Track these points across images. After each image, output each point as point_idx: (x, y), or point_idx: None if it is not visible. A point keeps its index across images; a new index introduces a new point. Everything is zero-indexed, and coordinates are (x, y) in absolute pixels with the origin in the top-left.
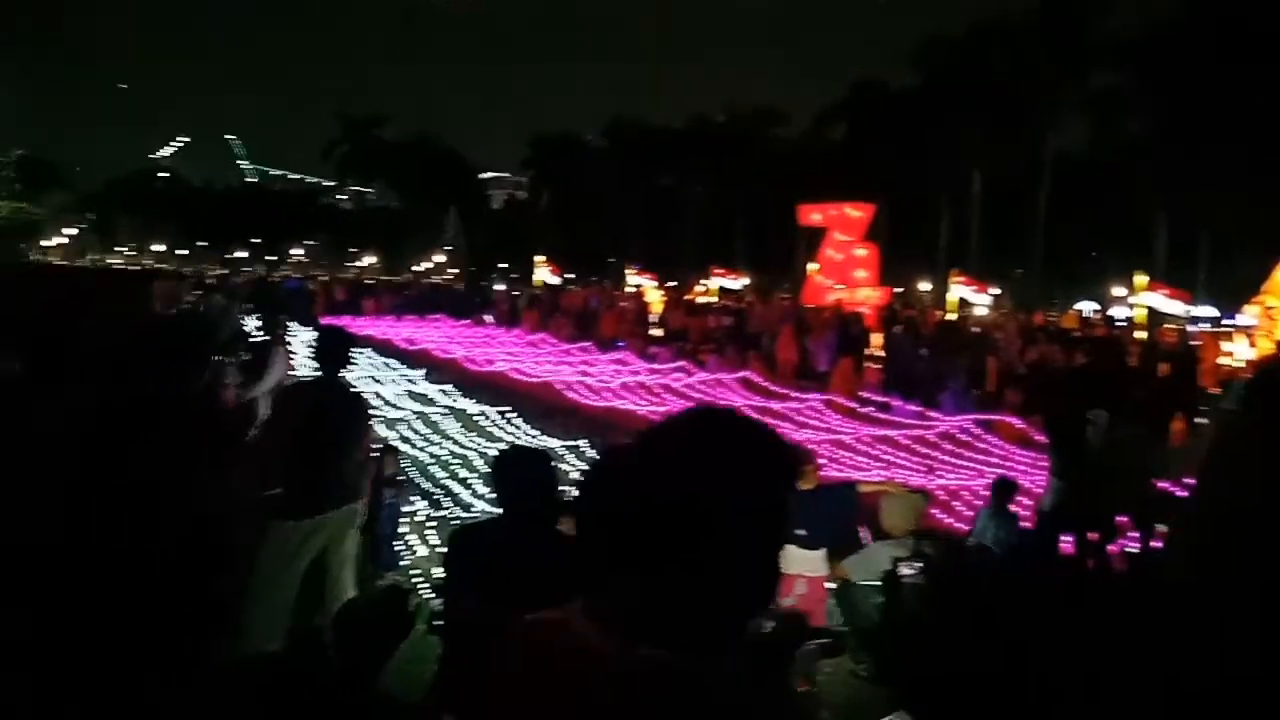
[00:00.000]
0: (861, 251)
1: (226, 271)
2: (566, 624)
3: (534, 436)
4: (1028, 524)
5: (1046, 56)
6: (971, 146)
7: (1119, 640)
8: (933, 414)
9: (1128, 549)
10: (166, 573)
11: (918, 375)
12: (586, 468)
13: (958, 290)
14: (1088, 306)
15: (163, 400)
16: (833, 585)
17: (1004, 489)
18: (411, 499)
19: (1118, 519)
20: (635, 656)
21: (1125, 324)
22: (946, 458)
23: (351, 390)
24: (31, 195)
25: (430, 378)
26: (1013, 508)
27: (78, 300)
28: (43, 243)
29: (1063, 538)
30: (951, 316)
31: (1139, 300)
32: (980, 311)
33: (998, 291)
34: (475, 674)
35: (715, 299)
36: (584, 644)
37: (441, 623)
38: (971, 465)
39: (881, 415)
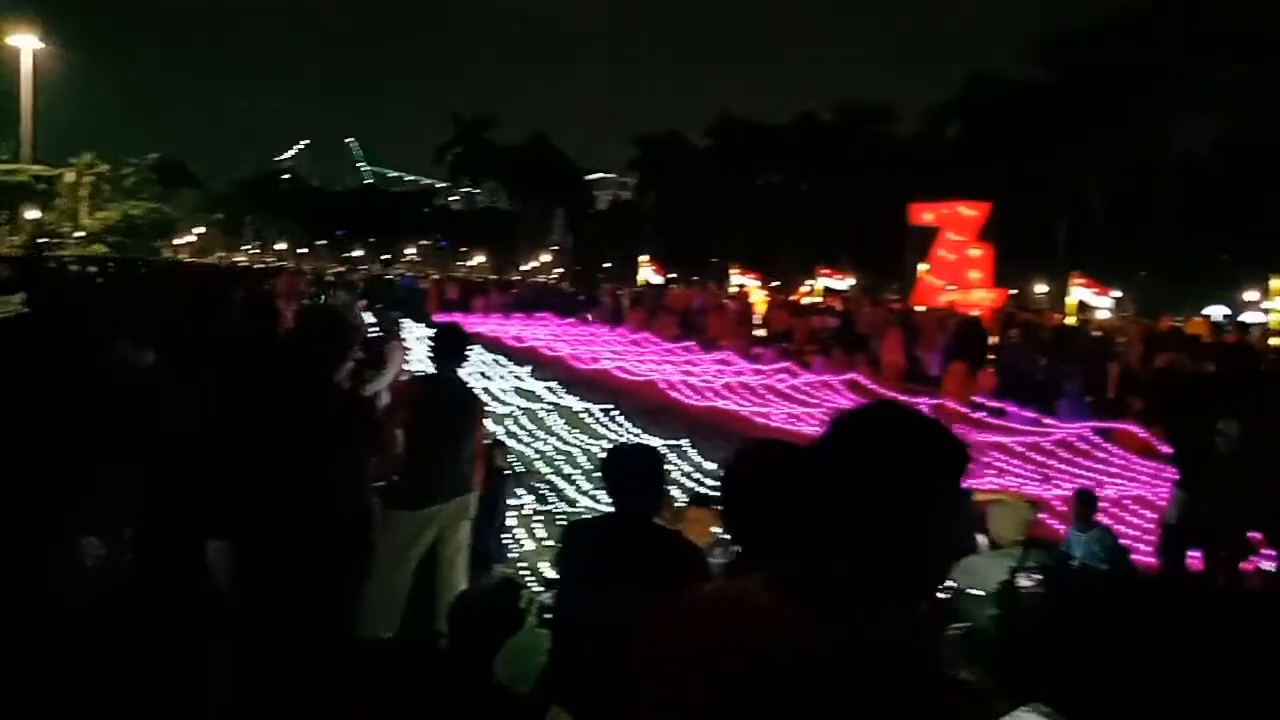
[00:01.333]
0: (975, 252)
1: (344, 269)
2: (743, 596)
3: (637, 434)
4: (1151, 537)
5: (1174, 49)
6: (1092, 143)
7: (1257, 660)
8: (1049, 421)
9: (1262, 566)
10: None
11: (1034, 380)
12: (733, 458)
13: (1078, 293)
14: (1217, 312)
15: (311, 388)
16: (943, 595)
17: (1084, 501)
18: (518, 493)
19: (1250, 535)
20: (817, 626)
21: (1259, 330)
22: (1064, 466)
23: (466, 385)
24: (165, 196)
25: (536, 375)
26: (1104, 519)
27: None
28: (174, 241)
29: (1189, 553)
30: (1070, 320)
31: (1274, 305)
32: (1102, 315)
33: (1119, 295)
34: (590, 664)
35: (820, 299)
36: (766, 614)
37: (551, 616)
38: (1090, 475)
39: (995, 421)
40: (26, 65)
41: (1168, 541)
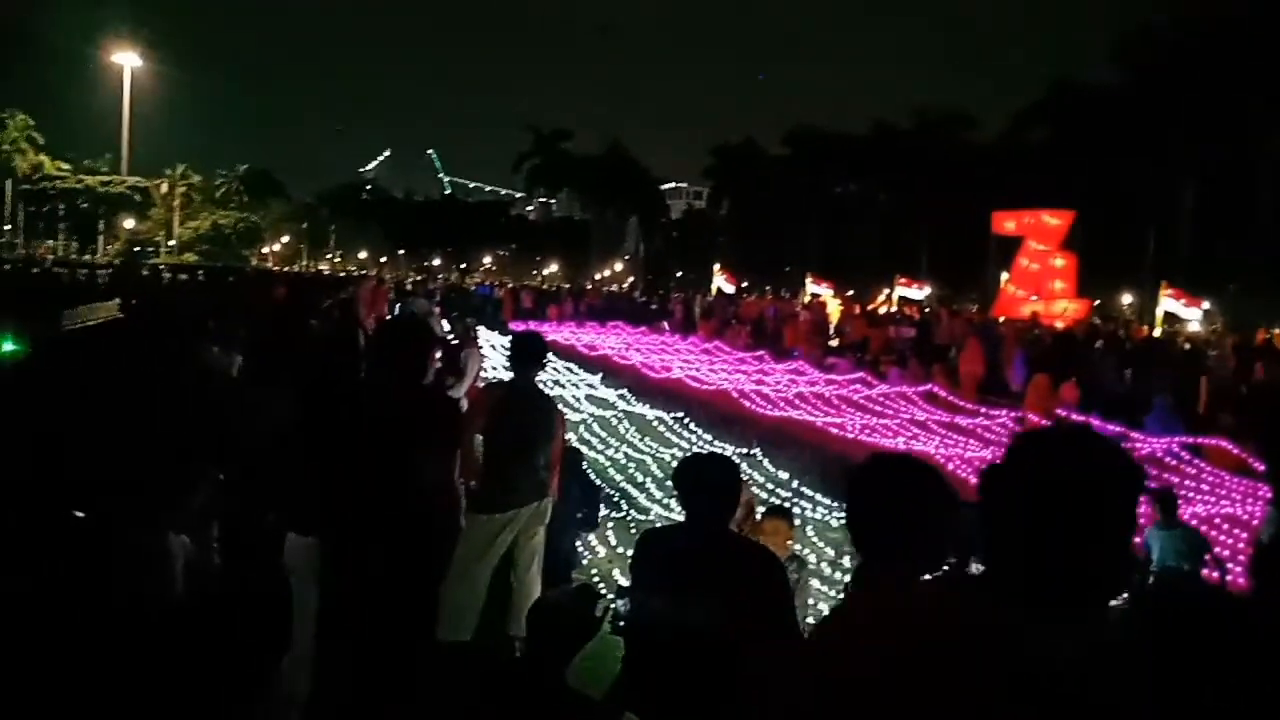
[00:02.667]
0: (1059, 261)
1: (422, 277)
2: (950, 595)
3: (708, 443)
4: (1243, 558)
5: (1268, 51)
6: (1182, 148)
7: None
8: (1136, 435)
9: None
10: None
11: (1118, 394)
12: (863, 472)
13: (1166, 304)
14: None
15: (394, 391)
16: None
17: (1164, 500)
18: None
19: None
20: (1024, 622)
21: None
22: (1150, 483)
23: (543, 393)
24: (253, 206)
25: (608, 382)
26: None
27: (292, 302)
28: (261, 249)
29: None
30: (1157, 332)
31: None
32: (1192, 328)
33: (1209, 306)
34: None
35: (896, 309)
36: (974, 612)
37: (625, 623)
38: (1179, 492)
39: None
40: (127, 82)
41: (1262, 562)
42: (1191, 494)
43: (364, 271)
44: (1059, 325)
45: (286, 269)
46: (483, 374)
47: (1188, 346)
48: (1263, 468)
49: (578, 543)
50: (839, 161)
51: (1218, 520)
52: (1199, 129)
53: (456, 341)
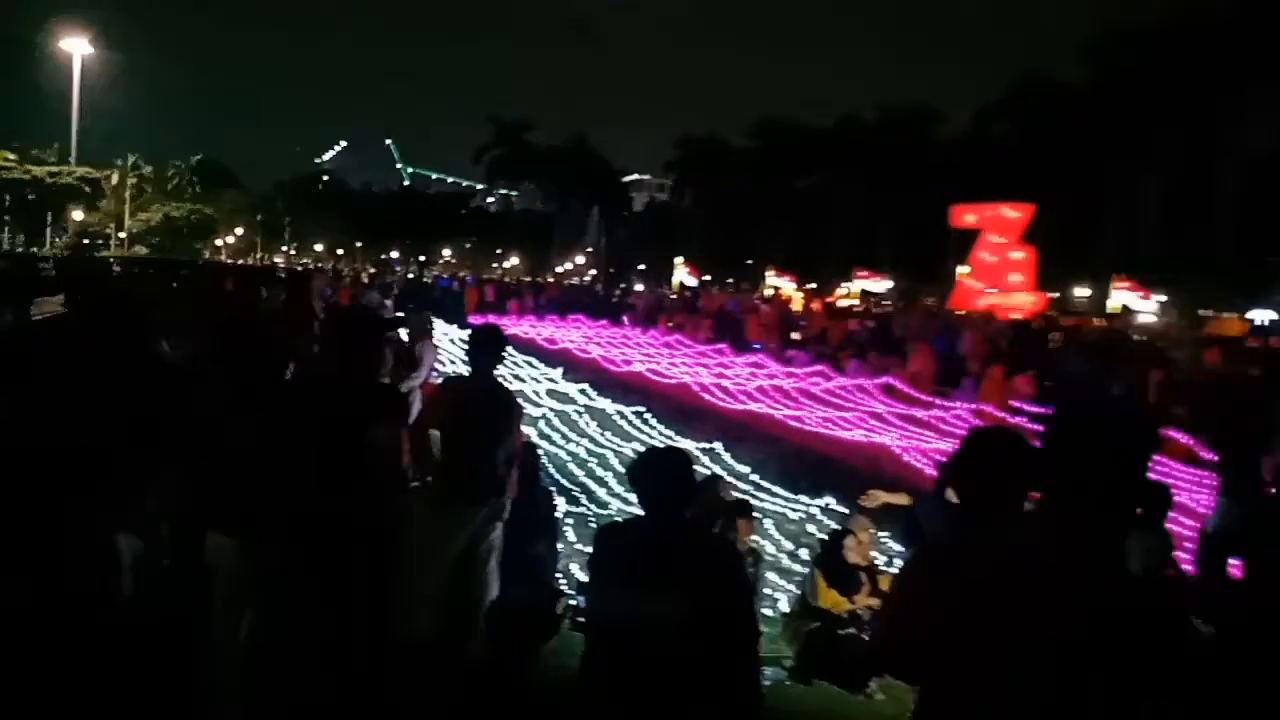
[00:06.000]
0: (1017, 254)
1: (380, 270)
2: (1016, 534)
3: (669, 437)
4: (1190, 544)
5: (1234, 49)
6: (1144, 144)
7: None
8: None
9: None
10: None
11: (1079, 386)
12: (971, 439)
13: (1120, 296)
14: (1264, 315)
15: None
16: None
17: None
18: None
19: None
20: (1077, 556)
21: None
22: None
23: (502, 387)
24: (206, 197)
25: (569, 376)
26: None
27: (243, 296)
28: (215, 242)
29: (1230, 562)
30: (1099, 322)
31: None
32: (1145, 319)
33: (1164, 298)
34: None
35: (857, 302)
36: (1037, 548)
37: (585, 620)
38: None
39: (1034, 427)
40: (76, 69)
41: (1206, 552)
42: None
43: (320, 264)
44: (1018, 316)
45: (240, 262)
46: (440, 368)
47: (1140, 338)
48: (1212, 456)
49: (558, 544)
50: (803, 155)
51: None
52: (1162, 124)
53: (411, 335)
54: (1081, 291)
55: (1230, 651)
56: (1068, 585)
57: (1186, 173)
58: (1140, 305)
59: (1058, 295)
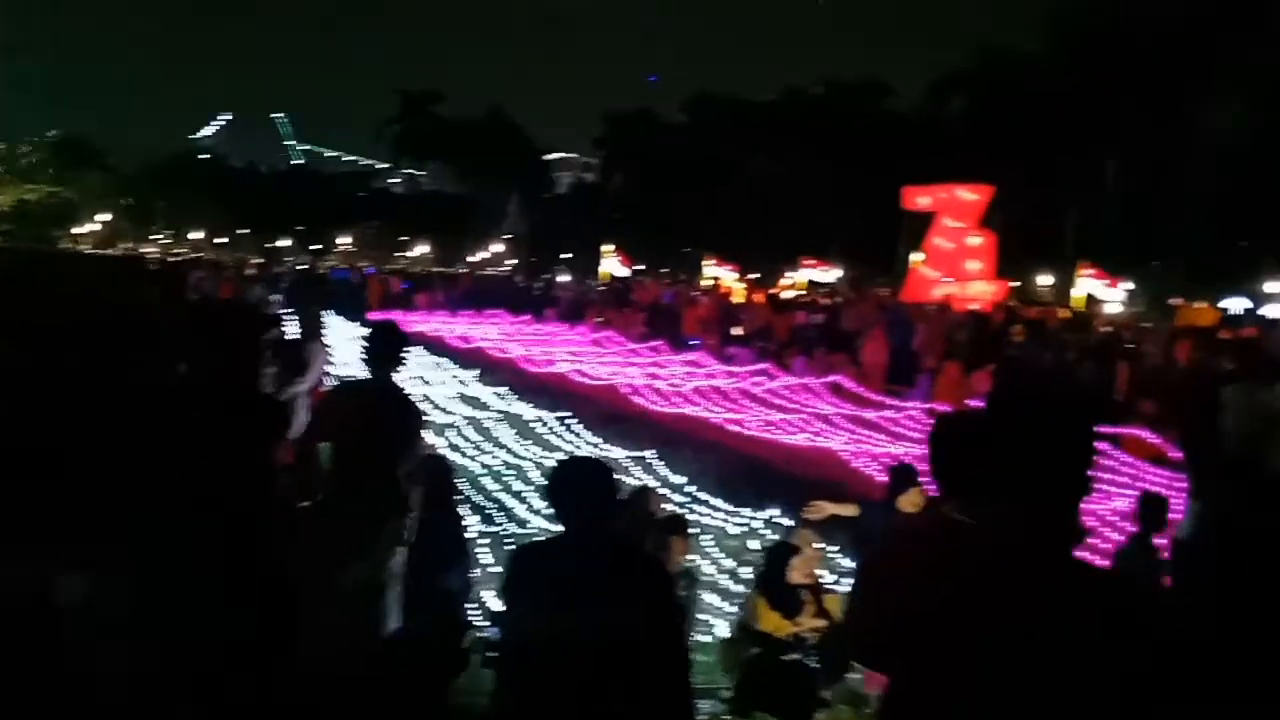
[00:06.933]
0: (975, 240)
1: (267, 261)
2: (940, 518)
3: (596, 445)
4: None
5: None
6: (1109, 122)
7: None
8: None
9: None
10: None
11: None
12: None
13: (1085, 284)
14: (1237, 304)
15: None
16: None
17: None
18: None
19: None
20: (995, 531)
21: None
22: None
23: (402, 393)
24: (66, 179)
25: (484, 379)
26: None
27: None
28: (74, 230)
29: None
30: (1064, 313)
31: None
32: (1113, 309)
33: (1131, 286)
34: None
35: (804, 293)
36: (953, 521)
37: (496, 654)
38: (1097, 485)
39: None
40: None
41: (1181, 558)
42: (1109, 487)
43: (199, 255)
44: (973, 308)
45: (103, 251)
46: (333, 372)
47: (1107, 329)
48: (1180, 456)
49: (470, 570)
50: (744, 131)
51: (1128, 514)
52: (1129, 102)
53: (300, 334)
54: (1044, 280)
55: (1200, 659)
56: (1013, 576)
57: (1155, 152)
58: (1107, 294)
59: (1019, 284)
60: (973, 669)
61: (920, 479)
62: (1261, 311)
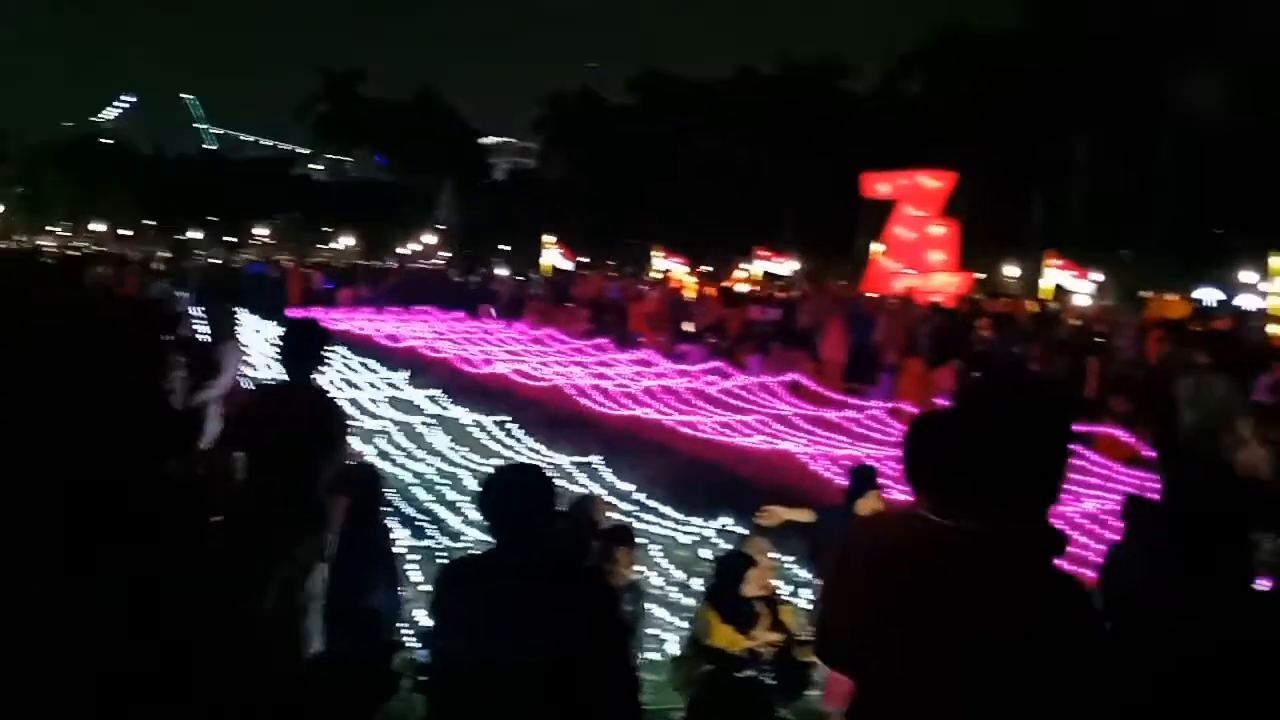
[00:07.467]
0: (938, 229)
1: (176, 254)
2: (912, 514)
3: (538, 451)
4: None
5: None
6: (1081, 103)
7: None
8: None
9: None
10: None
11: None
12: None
13: (1053, 275)
14: (1211, 295)
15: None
16: None
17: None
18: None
19: None
20: (964, 528)
21: (1257, 316)
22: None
23: (323, 396)
24: None
25: (416, 381)
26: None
27: None
28: None
29: None
30: (1031, 306)
31: (1274, 288)
32: (1082, 301)
33: (1101, 277)
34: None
35: (759, 286)
36: (927, 523)
37: (427, 678)
38: (1066, 487)
39: None
40: None
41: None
42: (1079, 489)
43: (101, 249)
44: (937, 301)
45: None
46: (249, 375)
47: (1077, 323)
48: (1154, 455)
49: (400, 587)
50: (694, 114)
51: (1106, 518)
52: (1099, 82)
53: (212, 335)
54: (1011, 271)
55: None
56: (997, 581)
57: (1126, 134)
58: (1075, 285)
59: (984, 276)
60: (954, 673)
61: (880, 481)
62: (1236, 301)
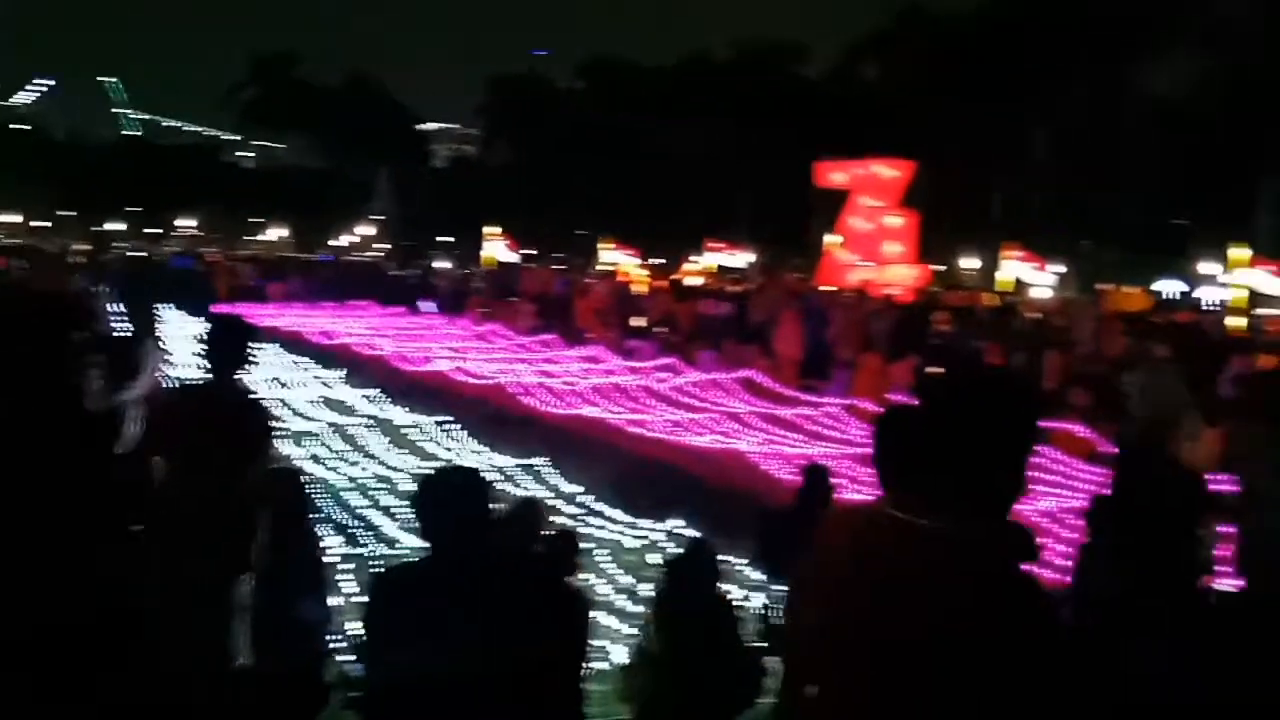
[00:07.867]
0: (894, 220)
1: (95, 247)
2: (877, 510)
3: (479, 453)
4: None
5: None
6: (1040, 90)
7: None
8: None
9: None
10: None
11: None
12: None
13: (1011, 268)
14: (1171, 287)
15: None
16: None
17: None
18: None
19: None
20: (930, 525)
21: (1217, 308)
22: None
23: (250, 397)
24: None
25: (351, 380)
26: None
27: None
28: None
29: None
30: (990, 299)
31: (1235, 279)
32: (1041, 293)
33: (1062, 269)
34: None
35: (710, 279)
36: (893, 520)
37: (359, 693)
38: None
39: None
40: None
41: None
42: (1039, 487)
43: (11, 241)
44: (896, 293)
45: None
46: (168, 374)
47: (1035, 316)
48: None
49: (331, 597)
50: (643, 100)
51: (1065, 517)
52: (1059, 67)
53: (132, 332)
54: (969, 263)
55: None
56: (969, 583)
57: (1087, 121)
58: (1035, 278)
59: (942, 268)
60: (918, 672)
61: (834, 481)
62: (1197, 294)
